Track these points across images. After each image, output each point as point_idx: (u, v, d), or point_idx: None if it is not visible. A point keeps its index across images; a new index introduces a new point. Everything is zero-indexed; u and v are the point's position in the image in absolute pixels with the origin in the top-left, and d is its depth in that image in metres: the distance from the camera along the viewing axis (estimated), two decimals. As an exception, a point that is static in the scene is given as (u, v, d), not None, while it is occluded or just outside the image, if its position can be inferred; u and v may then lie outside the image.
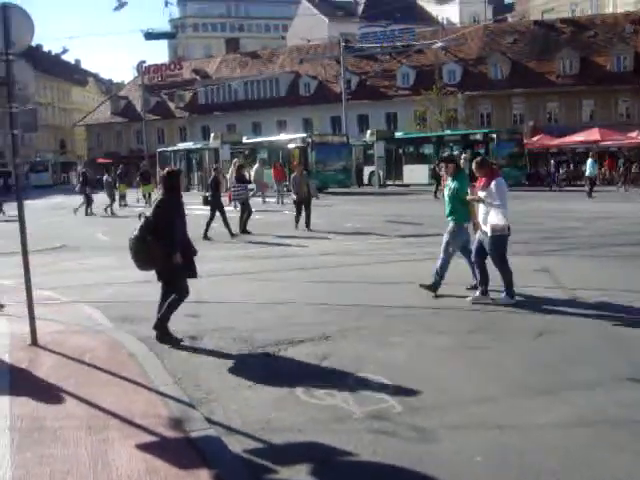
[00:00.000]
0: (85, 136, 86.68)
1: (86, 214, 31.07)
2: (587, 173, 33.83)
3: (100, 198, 33.04)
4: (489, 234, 9.66)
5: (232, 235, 19.61)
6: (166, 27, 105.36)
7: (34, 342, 8.37)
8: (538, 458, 4.91)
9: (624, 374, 6.60)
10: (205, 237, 19.11)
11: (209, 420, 5.82)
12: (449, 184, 10.69)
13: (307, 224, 20.28)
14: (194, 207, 27.24)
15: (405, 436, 5.37)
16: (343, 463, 5.04)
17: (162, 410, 6.01)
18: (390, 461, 4.93)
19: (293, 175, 21.08)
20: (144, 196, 36.40)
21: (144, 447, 5.26)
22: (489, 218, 9.67)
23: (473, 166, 10.11)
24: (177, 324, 9.26)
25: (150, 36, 55.70)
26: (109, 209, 31.38)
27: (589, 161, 34.25)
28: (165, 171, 8.94)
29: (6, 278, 12.85)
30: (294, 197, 20.65)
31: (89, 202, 31.41)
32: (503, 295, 9.72)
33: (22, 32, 8.29)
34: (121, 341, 8.42)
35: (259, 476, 4.84)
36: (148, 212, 8.53)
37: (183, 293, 8.46)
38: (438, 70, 57.25)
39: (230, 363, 7.51)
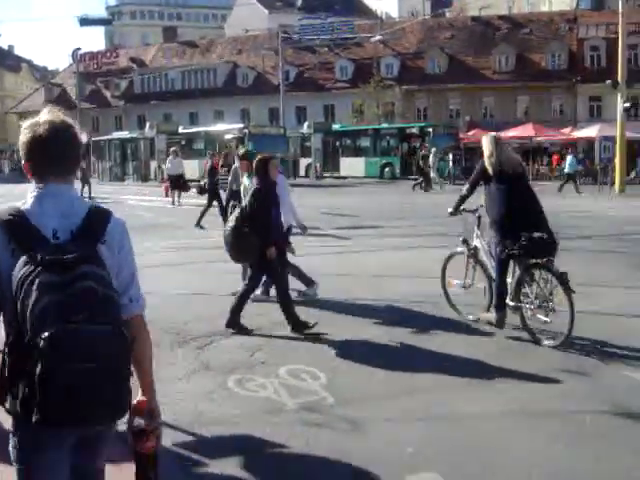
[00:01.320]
0: (17, 124, 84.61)
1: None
2: (566, 170, 33.48)
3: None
4: None
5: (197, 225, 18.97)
6: (103, 14, 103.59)
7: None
8: (471, 449, 4.92)
9: (552, 366, 6.67)
10: (198, 224, 18.78)
11: (138, 413, 5.69)
12: (244, 182, 10.62)
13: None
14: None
15: (337, 428, 5.33)
16: (275, 455, 4.97)
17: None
18: (322, 453, 4.88)
19: (234, 166, 19.05)
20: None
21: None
22: None
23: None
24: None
25: (85, 22, 54.47)
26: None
27: (569, 157, 34.35)
28: (259, 157, 8.62)
29: None
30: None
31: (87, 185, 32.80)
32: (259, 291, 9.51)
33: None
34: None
35: (188, 470, 4.74)
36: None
37: (257, 284, 8.40)
38: (376, 63, 57.55)
39: (162, 355, 7.33)
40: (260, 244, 7.93)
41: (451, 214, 8.44)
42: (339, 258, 13.76)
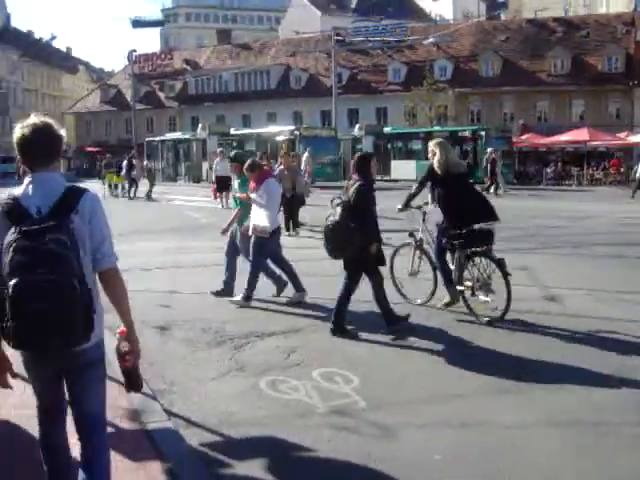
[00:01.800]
0: (74, 124, 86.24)
1: (129, 198, 33.36)
2: (638, 174, 31.13)
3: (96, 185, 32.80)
4: (249, 232, 9.64)
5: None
6: (159, 16, 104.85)
7: None
8: (499, 458, 4.81)
9: (595, 375, 6.50)
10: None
11: (169, 412, 5.70)
12: (234, 185, 10.97)
13: (294, 225, 17.66)
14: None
15: (366, 433, 5.26)
16: (300, 459, 4.92)
17: (122, 401, 5.86)
18: (348, 458, 4.82)
19: (279, 168, 17.79)
20: (123, 187, 36.35)
21: (98, 438, 5.14)
22: (254, 218, 9.54)
23: (244, 167, 9.83)
24: (149, 314, 9.18)
25: (138, 24, 55.34)
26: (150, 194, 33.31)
27: None
28: (361, 155, 8.74)
29: None
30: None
31: (135, 185, 33.95)
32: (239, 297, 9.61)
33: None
34: (89, 330, 8.28)
35: (212, 470, 4.71)
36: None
37: (355, 286, 8.16)
38: (429, 66, 57.18)
39: (197, 355, 7.39)
40: (362, 241, 7.86)
41: (400, 210, 9.42)
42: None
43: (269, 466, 4.79)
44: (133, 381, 4.05)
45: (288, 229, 16.97)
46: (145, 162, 37.07)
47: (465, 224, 8.44)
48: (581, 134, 44.46)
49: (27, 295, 3.27)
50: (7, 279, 3.29)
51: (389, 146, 47.41)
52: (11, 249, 3.31)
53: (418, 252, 9.46)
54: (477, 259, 8.56)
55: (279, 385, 6.30)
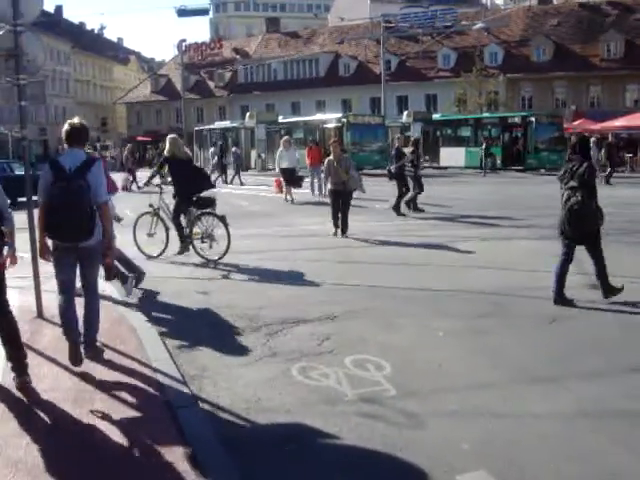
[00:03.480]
0: (125, 114, 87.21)
1: (226, 182, 34.34)
2: None
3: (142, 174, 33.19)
4: None
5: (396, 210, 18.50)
6: (205, 4, 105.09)
7: (39, 314, 8.33)
8: (528, 448, 4.68)
9: (634, 365, 6.31)
10: (398, 212, 18.37)
11: (197, 397, 5.69)
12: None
13: (342, 229, 14.91)
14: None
15: (394, 421, 5.17)
16: (324, 446, 4.85)
17: (151, 385, 5.89)
18: (373, 446, 4.74)
19: (327, 159, 15.26)
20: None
21: (126, 421, 5.15)
22: None
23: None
24: (186, 300, 9.21)
25: (183, 13, 55.20)
26: (237, 179, 34.33)
27: None
28: (582, 136, 9.62)
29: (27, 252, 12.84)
30: (329, 187, 15.51)
31: (225, 172, 35.33)
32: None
33: (31, 2, 8.15)
34: (125, 315, 8.33)
35: (236, 456, 4.67)
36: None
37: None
38: (479, 52, 56.44)
39: (230, 340, 7.38)
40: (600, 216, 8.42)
41: (144, 185, 13.29)
42: (418, 247, 13.46)
43: (293, 453, 4.74)
44: (110, 273, 7.61)
45: (337, 230, 14.95)
46: (234, 149, 37.24)
47: (193, 193, 11.92)
48: (635, 119, 43.43)
49: (61, 209, 6.04)
50: (49, 201, 6.11)
51: (438, 133, 46.92)
52: (53, 186, 6.10)
53: (155, 218, 12.39)
54: (204, 218, 12.04)
55: (310, 372, 6.24)
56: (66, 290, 6.44)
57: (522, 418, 5.17)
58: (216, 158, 36.13)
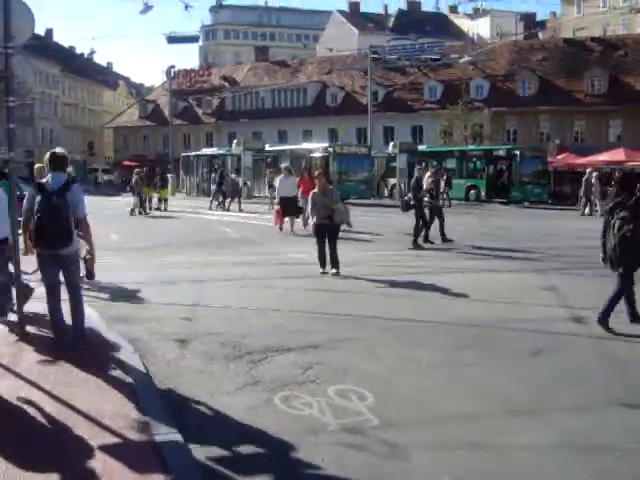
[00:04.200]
0: (112, 138, 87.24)
1: (220, 207, 34.92)
2: None
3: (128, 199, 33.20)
4: None
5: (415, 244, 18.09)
6: (195, 32, 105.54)
7: (22, 337, 8.28)
8: (509, 481, 4.70)
9: (617, 399, 6.33)
10: (415, 244, 17.99)
11: (179, 426, 5.65)
12: None
13: (333, 265, 13.58)
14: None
15: (376, 451, 5.17)
16: (307, 476, 4.84)
17: (132, 412, 5.85)
18: (355, 477, 4.74)
19: (312, 192, 14.11)
20: (159, 200, 36.30)
21: (105, 448, 5.10)
22: None
23: None
24: (170, 326, 9.19)
25: (173, 40, 55.43)
26: (239, 205, 34.25)
27: None
28: (626, 173, 10.12)
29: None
30: (313, 221, 13.96)
31: (224, 196, 35.56)
32: None
33: (22, 25, 8.19)
34: (109, 341, 8.30)
35: (217, 486, 4.66)
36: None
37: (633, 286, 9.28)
38: (465, 85, 57.00)
39: (214, 368, 7.36)
40: None
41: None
42: (402, 278, 13.52)
43: (274, 483, 4.73)
44: (90, 273, 9.42)
45: (325, 268, 13.71)
46: (233, 176, 37.33)
47: None
48: (617, 154, 43.88)
49: (44, 221, 7.30)
50: (36, 215, 7.30)
51: (423, 164, 47.12)
52: (38, 202, 7.32)
53: None
54: None
55: (293, 401, 6.23)
56: (53, 293, 7.81)
57: (503, 450, 5.18)
58: (215, 184, 36.66)
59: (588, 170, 34.27)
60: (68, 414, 5.84)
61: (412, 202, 18.54)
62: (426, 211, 18.76)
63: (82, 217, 7.69)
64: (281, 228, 22.28)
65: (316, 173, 15.23)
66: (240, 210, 33.67)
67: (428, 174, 19.48)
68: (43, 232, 7.36)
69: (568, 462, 5.00)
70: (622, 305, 9.12)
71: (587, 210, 32.30)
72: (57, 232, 7.34)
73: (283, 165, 25.60)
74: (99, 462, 4.86)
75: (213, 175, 38.18)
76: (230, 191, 35.39)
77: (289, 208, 22.46)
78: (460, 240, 19.22)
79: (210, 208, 35.19)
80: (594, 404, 6.21)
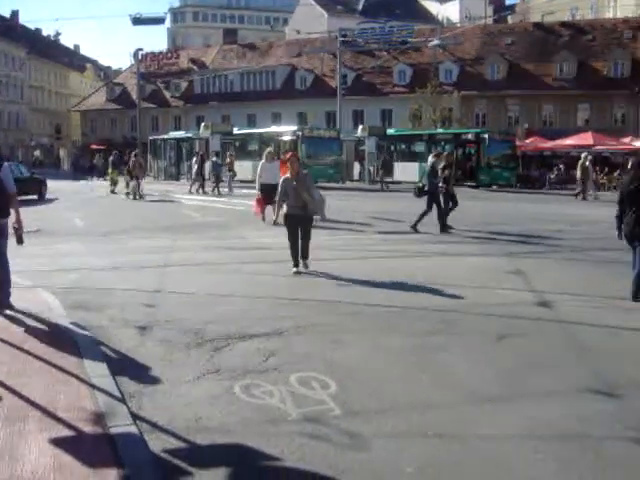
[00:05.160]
0: (80, 122, 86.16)
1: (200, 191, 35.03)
2: None
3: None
4: None
5: (444, 230, 17.81)
6: (161, 14, 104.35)
7: (-23, 325, 8.05)
8: (473, 472, 4.58)
9: (584, 385, 6.23)
10: (415, 229, 17.72)
11: (135, 416, 5.47)
12: None
13: (303, 255, 12.16)
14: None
15: (337, 442, 5.02)
16: (265, 468, 4.68)
17: (88, 403, 5.66)
18: (315, 468, 4.58)
19: (283, 177, 12.48)
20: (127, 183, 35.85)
21: (57, 442, 4.91)
22: None
23: None
24: (131, 313, 8.99)
25: (138, 21, 54.49)
26: (217, 189, 34.64)
27: None
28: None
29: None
30: (282, 211, 12.54)
31: (203, 180, 36.14)
32: None
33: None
34: (68, 329, 8.08)
35: (171, 478, 4.49)
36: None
37: None
38: (434, 69, 56.95)
39: (175, 356, 7.17)
40: None
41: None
42: (370, 262, 13.43)
43: (231, 475, 4.57)
44: (20, 239, 9.05)
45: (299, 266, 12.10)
46: (214, 159, 37.42)
47: None
48: (585, 138, 44.16)
49: None
50: None
51: (392, 148, 47.13)
52: None
53: None
54: None
55: (253, 390, 6.07)
56: None
57: (468, 440, 5.06)
58: (196, 168, 36.58)
59: (583, 155, 34.32)
60: (20, 406, 5.63)
61: (426, 188, 18.12)
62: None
63: (9, 192, 8.75)
64: (263, 218, 20.15)
65: (288, 155, 13.15)
66: (219, 194, 33.90)
67: (432, 158, 18.88)
68: None
69: (536, 451, 4.88)
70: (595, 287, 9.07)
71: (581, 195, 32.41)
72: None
73: (267, 149, 23.23)
74: (50, 457, 4.67)
75: (194, 159, 38.11)
76: (214, 175, 35.63)
77: (271, 196, 21.13)
78: (428, 223, 19.14)
79: (190, 192, 35.13)
80: (560, 391, 6.11)
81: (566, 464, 4.69)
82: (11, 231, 8.97)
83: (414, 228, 17.75)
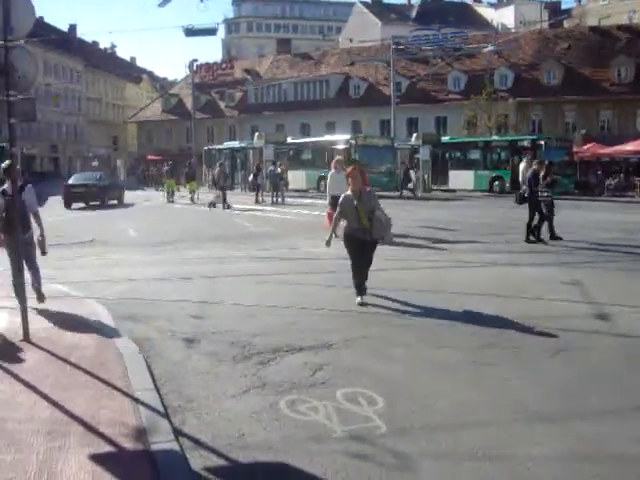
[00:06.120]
0: (136, 133, 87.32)
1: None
2: None
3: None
4: None
5: (531, 241, 17.31)
6: (214, 24, 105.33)
7: (26, 337, 8.08)
8: (524, 495, 4.38)
9: (642, 404, 5.97)
10: (537, 239, 17.24)
11: (178, 432, 5.40)
12: None
13: (359, 287, 10.25)
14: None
15: (383, 462, 4.86)
16: (307, 489, 4.56)
17: (130, 418, 5.60)
18: (359, 490, 4.44)
19: (344, 195, 10.44)
20: (190, 192, 39.25)
21: (97, 458, 4.86)
22: None
23: None
24: (179, 324, 8.95)
25: (190, 32, 54.73)
26: (276, 198, 35.58)
27: None
28: None
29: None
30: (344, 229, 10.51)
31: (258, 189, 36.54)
32: None
33: (22, 17, 7.95)
34: (114, 341, 8.06)
35: (211, 499, 4.39)
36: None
37: None
38: (489, 75, 56.30)
39: (221, 369, 7.09)
40: None
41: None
42: (425, 273, 13.20)
43: (273, 496, 4.45)
44: (43, 251, 9.74)
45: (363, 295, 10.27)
46: (271, 167, 37.95)
47: None
48: (645, 144, 43.17)
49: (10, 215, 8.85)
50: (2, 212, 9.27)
51: (447, 155, 46.69)
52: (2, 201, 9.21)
53: None
54: None
55: (299, 405, 5.94)
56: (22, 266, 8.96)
57: (519, 461, 4.84)
58: (251, 176, 38.52)
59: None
60: (63, 420, 5.59)
61: (527, 195, 17.71)
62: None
63: (34, 211, 9.60)
64: (336, 234, 19.52)
65: (350, 169, 10.86)
66: (276, 202, 34.71)
67: (534, 166, 18.54)
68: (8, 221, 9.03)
69: (588, 475, 4.64)
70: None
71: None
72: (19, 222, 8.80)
73: (337, 158, 20.94)
74: (88, 473, 4.61)
75: (271, 168, 38.83)
76: (272, 183, 36.25)
77: None
78: (480, 233, 18.81)
79: (256, 201, 35.78)
80: (617, 409, 5.84)
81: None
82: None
83: (529, 241, 17.26)
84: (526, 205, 17.79)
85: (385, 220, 10.16)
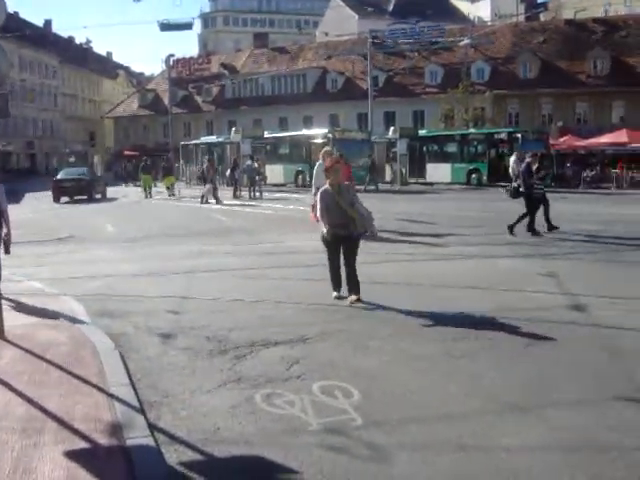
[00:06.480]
0: (113, 128, 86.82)
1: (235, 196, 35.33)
2: None
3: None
4: None
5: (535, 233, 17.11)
6: (189, 19, 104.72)
7: (1, 335, 8.02)
8: (498, 485, 4.40)
9: (617, 393, 5.96)
10: (534, 232, 17.06)
11: (153, 427, 5.38)
12: None
13: (351, 287, 9.80)
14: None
15: (358, 454, 4.87)
16: (283, 482, 4.57)
17: (105, 414, 5.57)
18: (334, 482, 4.45)
19: (323, 188, 10.01)
20: (167, 187, 39.94)
21: (72, 454, 4.82)
22: None
23: None
24: (155, 320, 8.93)
25: (165, 27, 54.44)
26: (253, 193, 35.61)
27: None
28: None
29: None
30: (323, 230, 9.85)
31: (236, 184, 36.79)
32: None
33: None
34: (90, 337, 8.02)
35: (186, 494, 4.38)
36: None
37: None
38: (466, 68, 56.50)
39: (197, 364, 7.07)
40: None
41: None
42: (402, 266, 13.23)
43: (249, 490, 4.45)
44: (7, 249, 9.26)
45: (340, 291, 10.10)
46: (249, 162, 37.90)
47: None
48: (620, 136, 43.47)
49: None
50: None
51: (424, 149, 46.81)
52: None
53: None
54: None
55: (275, 399, 5.94)
56: None
57: (493, 452, 4.86)
58: (228, 171, 39.01)
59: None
60: (38, 417, 5.56)
61: (521, 189, 17.69)
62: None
63: (3, 208, 9.24)
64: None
65: (329, 161, 10.69)
66: (253, 198, 34.57)
67: (528, 159, 18.44)
68: None
69: (563, 464, 4.67)
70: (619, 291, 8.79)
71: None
72: None
73: (324, 149, 18.77)
74: (63, 470, 4.58)
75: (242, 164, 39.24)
76: (249, 178, 36.33)
77: None
78: (457, 225, 18.88)
79: (234, 196, 35.84)
80: (590, 399, 5.88)
81: (595, 477, 4.49)
82: None
83: (533, 233, 17.16)
84: (517, 199, 17.94)
85: (366, 212, 9.82)
